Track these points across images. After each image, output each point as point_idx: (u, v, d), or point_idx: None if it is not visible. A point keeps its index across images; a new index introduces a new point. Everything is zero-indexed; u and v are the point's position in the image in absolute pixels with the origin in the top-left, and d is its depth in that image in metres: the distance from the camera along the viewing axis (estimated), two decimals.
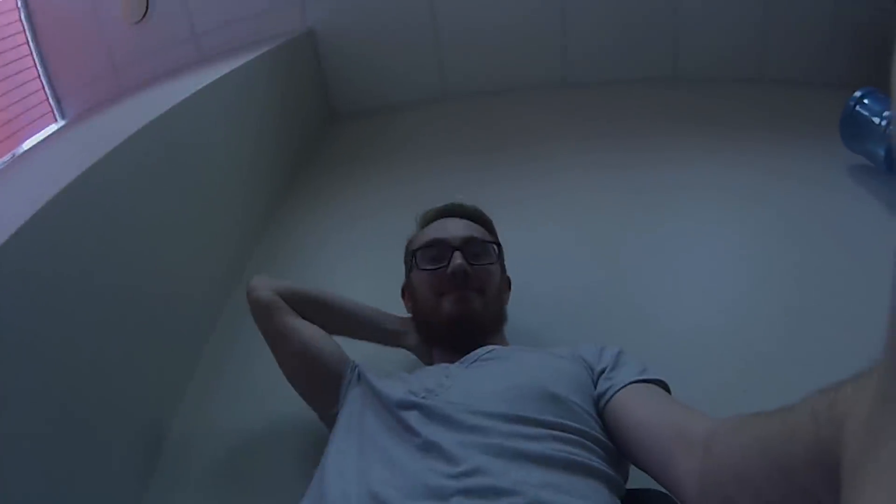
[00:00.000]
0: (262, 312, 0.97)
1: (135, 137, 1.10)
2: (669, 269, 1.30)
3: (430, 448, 0.66)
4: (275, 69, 1.86)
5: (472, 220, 1.04)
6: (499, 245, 1.04)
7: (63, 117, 2.52)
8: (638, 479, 0.74)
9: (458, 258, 0.93)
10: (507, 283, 1.07)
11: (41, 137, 2.10)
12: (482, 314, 0.93)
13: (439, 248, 0.97)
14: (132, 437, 0.96)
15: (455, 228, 1.00)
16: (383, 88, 2.20)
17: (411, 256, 1.01)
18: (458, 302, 0.92)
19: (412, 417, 0.71)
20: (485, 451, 0.64)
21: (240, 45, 2.01)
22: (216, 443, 1.04)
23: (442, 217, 1.05)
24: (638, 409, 0.70)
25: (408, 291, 1.04)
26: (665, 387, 0.75)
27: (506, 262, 1.06)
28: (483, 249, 0.98)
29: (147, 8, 2.10)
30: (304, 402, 0.95)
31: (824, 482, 0.37)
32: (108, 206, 0.99)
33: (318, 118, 2.17)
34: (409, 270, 1.03)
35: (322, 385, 0.91)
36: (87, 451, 0.84)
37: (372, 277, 1.39)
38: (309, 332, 0.95)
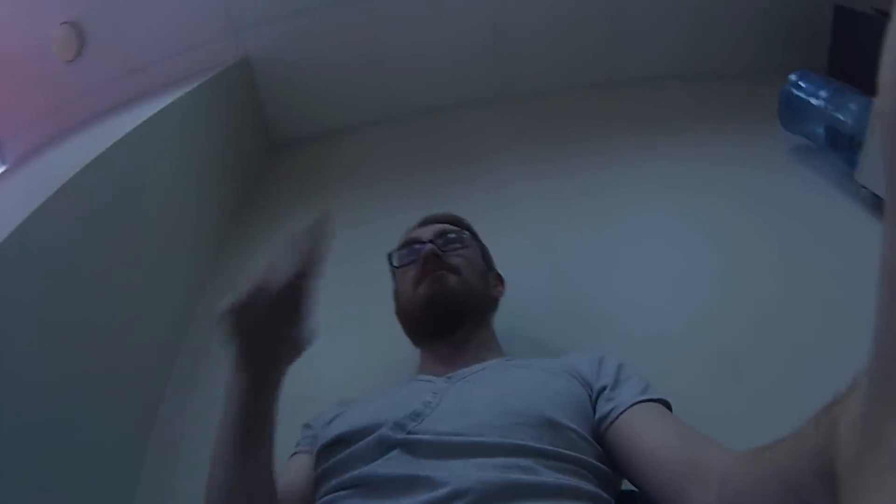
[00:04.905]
0: None
1: (72, 182, 1.06)
2: (625, 270, 1.31)
3: (415, 482, 0.64)
4: (212, 100, 1.82)
5: (445, 223, 1.07)
6: (473, 232, 1.08)
7: (3, 162, 2.44)
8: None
9: (427, 246, 0.96)
10: (498, 278, 1.09)
11: None
12: (458, 291, 0.94)
13: (412, 247, 1.01)
14: None
15: (427, 229, 1.04)
16: (322, 113, 2.17)
17: (389, 260, 1.05)
18: (432, 282, 0.93)
19: (394, 460, 0.68)
20: (479, 482, 0.62)
21: (178, 78, 1.98)
22: None
23: (418, 228, 1.09)
24: (645, 436, 0.68)
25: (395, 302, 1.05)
26: (668, 406, 0.73)
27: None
28: (455, 238, 1.02)
29: (81, 46, 2.05)
30: None
31: (823, 487, 0.37)
32: (52, 252, 0.96)
33: (259, 147, 2.13)
34: (393, 278, 1.06)
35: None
36: None
37: (324, 304, 1.36)
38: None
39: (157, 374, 1.20)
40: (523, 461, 0.65)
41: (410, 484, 0.64)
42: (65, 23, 2.05)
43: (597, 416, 0.74)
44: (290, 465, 0.82)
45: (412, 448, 0.68)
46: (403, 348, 1.02)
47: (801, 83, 1.51)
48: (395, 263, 1.03)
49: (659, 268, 1.30)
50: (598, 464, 0.69)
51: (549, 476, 0.64)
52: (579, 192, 1.58)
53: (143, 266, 1.24)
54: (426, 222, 1.09)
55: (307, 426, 0.88)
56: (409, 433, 0.70)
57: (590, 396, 0.77)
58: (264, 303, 0.66)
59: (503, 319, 1.05)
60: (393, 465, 0.67)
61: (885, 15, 1.60)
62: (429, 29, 2.08)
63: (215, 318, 0.66)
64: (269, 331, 0.68)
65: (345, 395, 0.93)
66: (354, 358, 1.23)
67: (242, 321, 0.66)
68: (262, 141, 2.17)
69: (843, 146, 1.38)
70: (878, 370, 0.27)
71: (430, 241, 0.98)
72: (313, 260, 0.71)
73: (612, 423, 0.72)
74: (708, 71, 2.09)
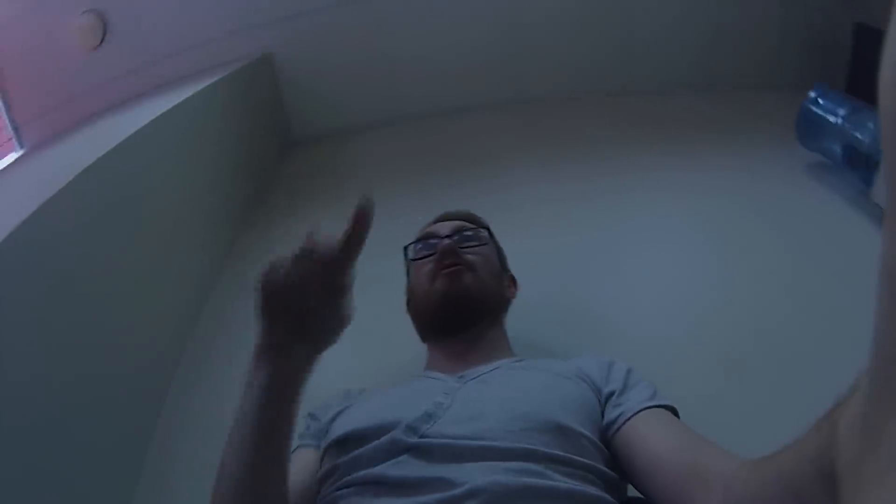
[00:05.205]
0: None
1: (84, 175, 1.07)
2: (633, 275, 1.31)
3: (429, 482, 0.64)
4: (232, 95, 1.83)
5: (463, 220, 1.08)
6: (490, 232, 1.08)
7: (22, 146, 2.47)
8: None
9: (445, 241, 0.97)
10: (512, 279, 1.10)
11: (1, 167, 2.06)
12: (474, 289, 0.94)
13: (429, 241, 1.02)
14: None
15: (445, 225, 1.05)
16: (341, 112, 2.18)
17: (405, 253, 1.05)
18: (448, 276, 0.94)
19: (406, 463, 0.67)
20: (494, 483, 0.62)
21: (198, 70, 1.99)
22: None
23: (435, 223, 1.10)
24: (650, 441, 0.68)
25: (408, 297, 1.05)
26: (675, 412, 0.74)
27: None
28: (472, 236, 1.03)
29: (104, 35, 2.07)
30: None
31: (825, 490, 0.37)
32: (62, 245, 0.96)
33: (276, 144, 2.14)
34: (407, 273, 1.06)
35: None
36: None
37: None
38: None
39: (161, 375, 1.20)
40: (534, 466, 0.65)
41: (424, 484, 0.64)
42: (87, 11, 2.07)
43: (605, 421, 0.75)
44: (295, 458, 0.80)
45: (424, 452, 0.68)
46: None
47: (819, 100, 1.50)
48: (411, 256, 1.03)
49: (666, 275, 1.30)
50: (606, 469, 0.70)
51: (559, 481, 0.64)
52: (588, 196, 1.58)
53: (151, 264, 1.24)
54: (444, 218, 1.10)
55: (312, 416, 0.87)
56: (421, 437, 0.70)
57: (599, 401, 0.77)
58: (304, 268, 0.66)
59: (509, 320, 1.05)
60: (405, 467, 0.67)
61: None
62: (446, 31, 2.09)
63: (252, 282, 0.66)
64: (305, 300, 0.66)
65: (347, 388, 0.93)
66: (346, 358, 1.22)
67: (275, 286, 0.65)
68: (278, 139, 2.17)
69: (859, 165, 1.37)
70: (878, 370, 0.26)
71: (448, 237, 0.99)
72: (354, 241, 0.68)
73: (618, 428, 0.72)
74: (724, 82, 2.07)
